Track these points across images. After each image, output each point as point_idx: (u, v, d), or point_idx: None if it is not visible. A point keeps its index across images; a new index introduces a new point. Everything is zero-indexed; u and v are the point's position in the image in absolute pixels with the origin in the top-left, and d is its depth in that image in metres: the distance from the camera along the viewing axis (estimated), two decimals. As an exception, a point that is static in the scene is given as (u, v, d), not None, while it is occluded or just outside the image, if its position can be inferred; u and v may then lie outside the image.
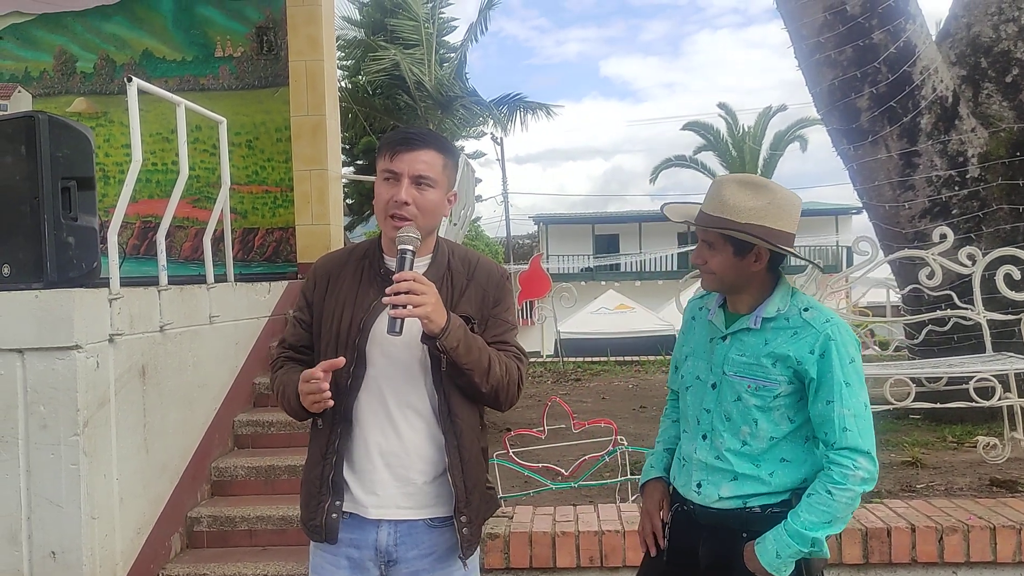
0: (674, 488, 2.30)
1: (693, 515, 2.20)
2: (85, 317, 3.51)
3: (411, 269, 2.02)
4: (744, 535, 2.11)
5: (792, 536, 2.02)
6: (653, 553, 2.28)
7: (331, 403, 2.03)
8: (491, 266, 2.27)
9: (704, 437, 2.17)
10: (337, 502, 2.13)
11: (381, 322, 2.09)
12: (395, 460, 2.12)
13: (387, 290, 1.97)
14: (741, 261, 2.10)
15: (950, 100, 6.09)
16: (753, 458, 2.12)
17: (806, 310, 2.12)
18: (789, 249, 2.11)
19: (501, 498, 4.12)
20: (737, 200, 2.08)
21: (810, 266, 6.09)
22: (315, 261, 2.31)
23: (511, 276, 2.38)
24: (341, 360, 2.03)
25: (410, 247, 2.04)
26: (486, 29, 20.09)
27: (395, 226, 2.08)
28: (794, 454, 2.13)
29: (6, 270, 3.71)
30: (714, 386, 2.17)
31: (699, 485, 2.17)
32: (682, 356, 2.32)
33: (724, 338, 2.18)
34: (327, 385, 2.00)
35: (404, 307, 1.94)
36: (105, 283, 3.79)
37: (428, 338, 2.01)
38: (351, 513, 2.14)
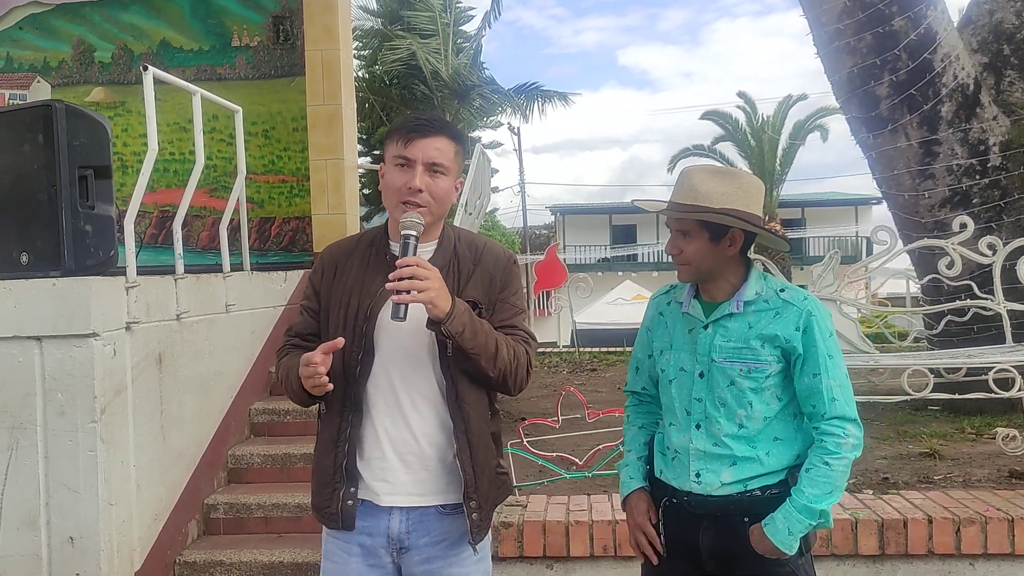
0: (659, 484, 2.30)
1: (688, 506, 2.20)
2: (102, 305, 3.54)
3: (414, 254, 2.02)
4: (746, 519, 2.14)
5: (801, 511, 2.07)
6: (656, 562, 2.28)
7: (330, 387, 2.02)
8: (498, 250, 2.27)
9: (698, 426, 2.18)
10: (352, 489, 2.13)
11: (388, 309, 2.09)
12: (404, 447, 2.13)
13: (390, 275, 1.97)
14: (716, 246, 2.16)
15: (971, 87, 6.02)
16: (750, 440, 2.16)
17: (782, 291, 2.20)
18: (764, 228, 2.18)
19: (515, 487, 4.12)
20: (708, 187, 2.14)
21: (828, 255, 6.06)
22: (322, 249, 2.31)
23: (518, 260, 2.38)
24: (340, 341, 2.02)
25: (413, 232, 2.04)
26: (499, 15, 19.98)
27: (407, 212, 2.08)
28: (786, 432, 2.19)
29: (24, 258, 3.74)
30: (702, 375, 2.19)
31: (698, 475, 2.17)
32: (656, 351, 2.32)
33: (706, 327, 2.20)
34: (324, 369, 1.99)
35: (407, 292, 1.94)
36: (122, 271, 3.81)
37: (433, 323, 2.01)
38: (363, 500, 2.15)
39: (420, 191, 2.07)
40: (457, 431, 2.12)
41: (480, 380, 2.13)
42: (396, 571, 2.20)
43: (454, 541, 2.16)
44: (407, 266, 1.96)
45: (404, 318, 1.96)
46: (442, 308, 1.98)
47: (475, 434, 2.13)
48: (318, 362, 1.98)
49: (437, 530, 2.15)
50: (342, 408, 2.13)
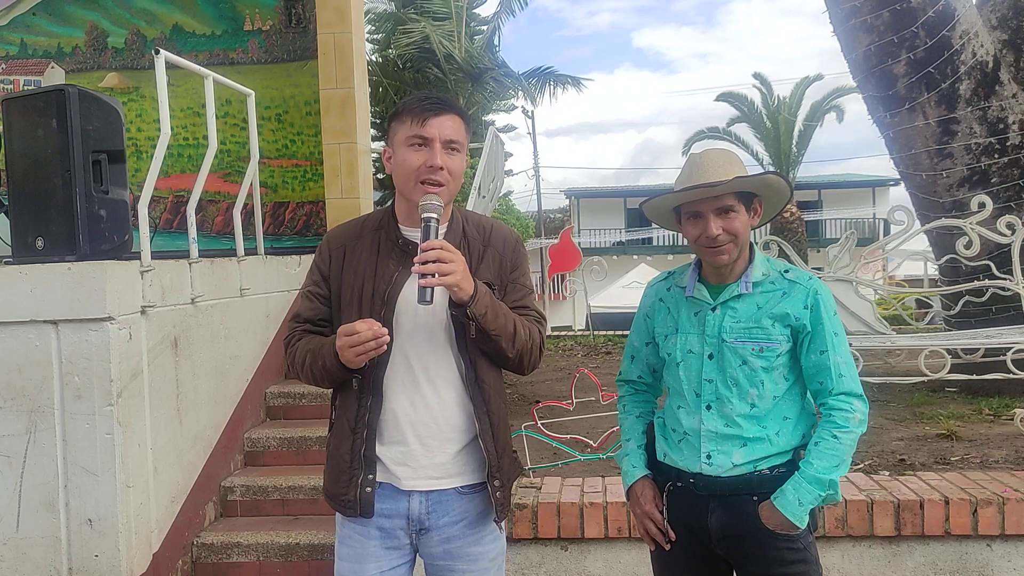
0: (663, 468, 2.29)
1: (694, 488, 2.21)
2: (117, 289, 3.56)
3: (437, 237, 2.01)
4: (755, 498, 2.15)
5: (811, 482, 2.09)
6: (667, 547, 2.28)
7: (387, 339, 1.99)
8: (506, 231, 2.28)
9: (709, 407, 2.19)
10: (370, 475, 2.12)
11: (405, 293, 2.09)
12: (424, 430, 2.12)
13: (416, 259, 1.96)
14: (750, 220, 2.20)
15: (990, 65, 5.93)
16: (760, 419, 2.17)
17: (786, 271, 2.24)
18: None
19: (529, 469, 4.13)
20: (726, 165, 2.17)
21: (844, 236, 6.01)
22: (325, 235, 2.29)
23: (533, 244, 2.38)
24: (385, 337, 1.99)
25: (434, 215, 2.03)
26: (527, 3, 19.84)
27: (428, 191, 2.06)
28: (792, 411, 2.21)
29: (40, 243, 3.77)
30: (711, 356, 2.19)
31: (709, 456, 2.18)
32: (660, 336, 2.31)
33: (714, 308, 2.21)
34: (367, 326, 1.96)
35: (433, 276, 1.93)
36: (137, 256, 3.83)
37: (457, 306, 2.02)
38: (382, 483, 2.14)
39: (441, 168, 2.06)
40: (479, 412, 2.13)
41: (497, 361, 2.15)
42: (414, 552, 2.21)
43: (472, 520, 2.18)
44: (432, 249, 1.95)
45: (431, 301, 1.95)
46: (466, 291, 1.99)
47: (496, 414, 2.16)
48: (360, 330, 1.96)
49: (457, 510, 2.16)
50: (360, 394, 2.12)
